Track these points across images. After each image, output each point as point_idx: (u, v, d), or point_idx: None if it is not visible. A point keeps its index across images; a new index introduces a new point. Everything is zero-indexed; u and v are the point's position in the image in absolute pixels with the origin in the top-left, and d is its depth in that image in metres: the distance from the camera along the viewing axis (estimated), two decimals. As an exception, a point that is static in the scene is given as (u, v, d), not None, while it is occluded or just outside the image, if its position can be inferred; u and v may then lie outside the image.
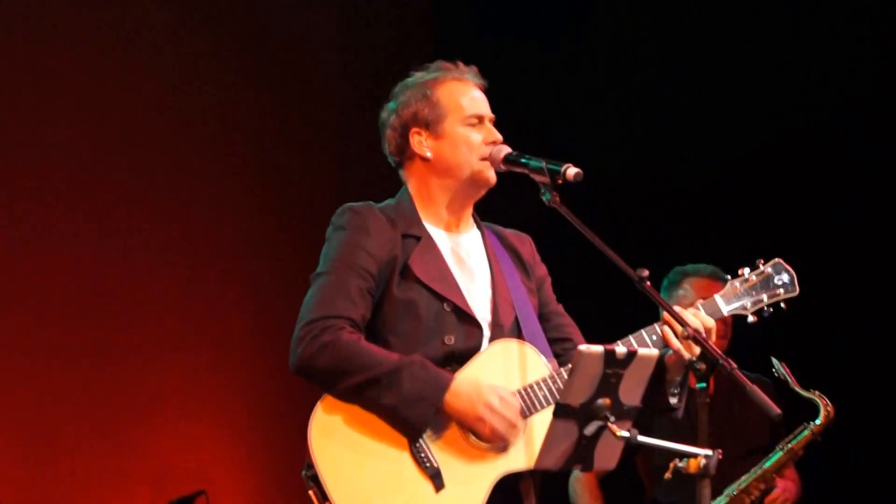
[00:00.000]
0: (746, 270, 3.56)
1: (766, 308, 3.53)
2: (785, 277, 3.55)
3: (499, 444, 3.34)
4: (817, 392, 4.79)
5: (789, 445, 4.80)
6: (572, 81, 6.73)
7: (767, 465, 4.80)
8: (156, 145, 6.40)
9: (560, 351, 3.58)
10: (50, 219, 6.08)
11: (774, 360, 4.77)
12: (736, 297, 3.50)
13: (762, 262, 3.56)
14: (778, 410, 3.06)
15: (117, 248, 6.26)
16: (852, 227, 6.20)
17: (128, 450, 6.20)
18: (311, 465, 3.30)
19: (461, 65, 3.62)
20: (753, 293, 3.51)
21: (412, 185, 3.60)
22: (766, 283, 3.53)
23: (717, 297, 3.50)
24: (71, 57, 6.15)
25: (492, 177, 3.53)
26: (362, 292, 3.40)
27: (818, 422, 4.77)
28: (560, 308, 3.70)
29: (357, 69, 7.02)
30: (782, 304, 3.54)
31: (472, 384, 3.31)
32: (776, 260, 3.58)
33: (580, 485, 5.20)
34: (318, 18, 7.03)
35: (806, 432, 4.78)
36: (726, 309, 3.49)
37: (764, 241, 6.14)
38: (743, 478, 4.81)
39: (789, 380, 4.74)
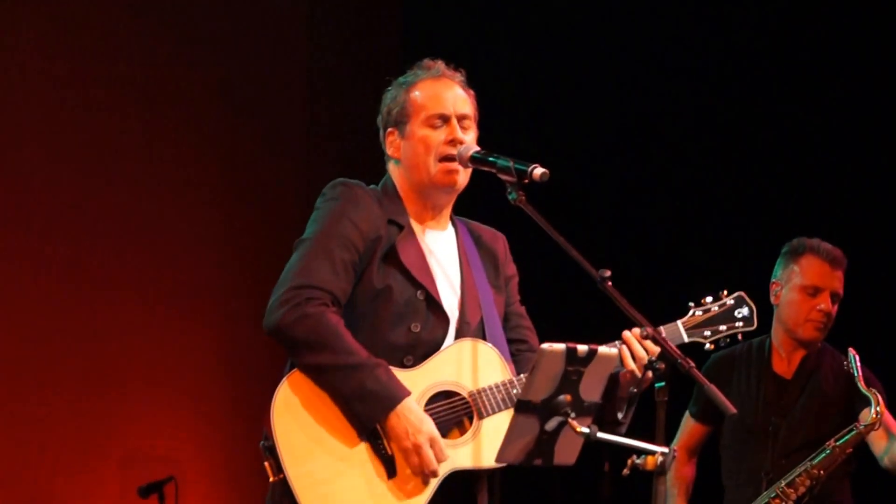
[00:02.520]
0: (709, 299, 3.63)
1: (723, 339, 3.62)
2: (745, 311, 3.64)
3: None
4: (874, 391, 4.69)
5: (837, 444, 4.70)
6: (542, 78, 6.76)
7: (815, 461, 4.71)
8: (128, 140, 6.45)
9: (514, 351, 3.64)
10: (26, 205, 6.11)
11: (851, 352, 4.71)
12: (696, 326, 3.58)
13: (725, 293, 3.64)
14: (733, 410, 3.11)
15: (91, 233, 6.29)
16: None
17: (98, 435, 6.22)
18: (268, 437, 3.36)
19: (440, 63, 3.65)
20: (713, 323, 3.60)
21: (395, 181, 3.65)
22: (727, 315, 3.62)
23: (679, 324, 3.57)
24: (48, 62, 6.20)
25: (452, 180, 3.56)
26: (346, 265, 3.45)
27: (867, 422, 4.67)
28: (522, 310, 3.76)
29: (325, 78, 7.06)
30: (739, 336, 3.63)
31: (418, 417, 3.36)
32: (739, 293, 3.65)
33: (670, 479, 5.07)
34: (286, 20, 7.07)
35: (854, 432, 4.70)
36: (686, 336, 3.56)
37: (735, 241, 6.25)
38: (790, 473, 4.76)
39: (857, 374, 4.67)
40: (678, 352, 3.18)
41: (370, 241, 3.49)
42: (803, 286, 4.87)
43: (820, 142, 6.31)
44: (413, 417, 3.36)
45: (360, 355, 3.36)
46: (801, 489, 4.73)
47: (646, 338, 3.33)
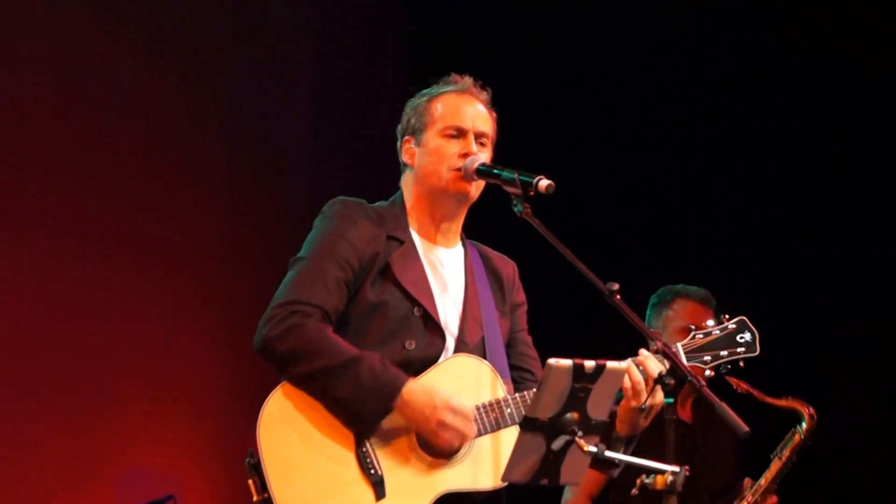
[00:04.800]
0: (710, 323, 3.59)
1: (724, 365, 3.56)
2: (748, 336, 3.60)
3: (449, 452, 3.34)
4: (791, 398, 4.72)
5: (782, 452, 4.72)
6: (546, 87, 6.74)
7: (768, 478, 4.76)
8: (132, 147, 6.39)
9: (517, 378, 3.61)
10: (27, 219, 6.07)
11: (731, 380, 4.71)
12: (696, 350, 3.53)
13: (727, 317, 3.60)
14: (746, 428, 3.05)
15: (91, 251, 6.24)
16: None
17: (97, 454, 6.17)
18: (254, 454, 3.33)
19: (467, 78, 3.67)
20: (714, 347, 3.55)
21: (405, 192, 3.65)
22: (728, 340, 3.58)
23: (679, 346, 3.53)
24: (51, 59, 6.15)
25: (464, 189, 3.54)
26: (339, 283, 3.42)
27: (804, 425, 4.70)
28: (528, 339, 3.74)
29: (331, 77, 7.04)
30: (741, 363, 3.57)
31: (426, 392, 3.31)
32: (741, 318, 3.61)
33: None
34: (293, 19, 7.04)
35: (795, 436, 4.71)
36: (686, 360, 3.51)
37: (738, 252, 6.24)
38: (745, 494, 4.75)
39: (754, 393, 4.69)
40: (688, 369, 3.12)
41: (366, 259, 3.47)
42: (682, 328, 4.87)
43: (831, 173, 6.33)
44: (422, 397, 3.30)
45: (350, 353, 3.32)
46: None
47: (656, 352, 3.28)
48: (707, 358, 3.52)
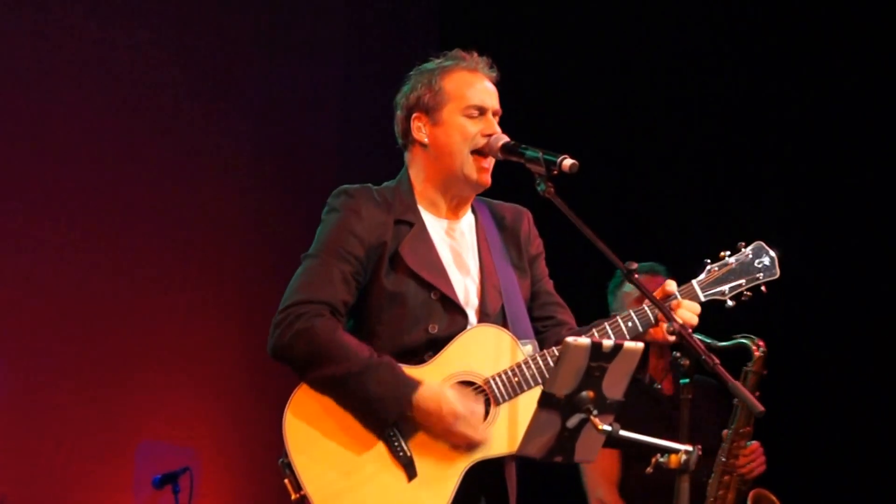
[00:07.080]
0: (727, 253, 3.50)
1: (744, 292, 3.48)
2: (766, 260, 3.49)
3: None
4: (738, 337, 4.66)
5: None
6: (569, 71, 6.74)
7: (734, 424, 4.72)
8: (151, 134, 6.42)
9: (539, 328, 3.59)
10: (50, 190, 6.10)
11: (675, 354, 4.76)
12: (713, 283, 3.46)
13: (743, 244, 3.52)
14: (761, 408, 3.04)
15: (113, 222, 6.27)
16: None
17: (115, 425, 6.19)
18: (286, 453, 3.35)
19: (475, 55, 3.63)
20: (732, 277, 3.46)
21: (412, 170, 3.61)
22: (746, 267, 3.47)
23: (694, 283, 3.46)
24: (67, 56, 6.18)
25: (485, 180, 3.54)
26: (346, 277, 3.42)
27: (753, 360, 4.65)
28: (550, 285, 3.71)
29: (361, 55, 7.05)
30: (762, 288, 3.49)
31: (434, 400, 3.32)
32: (757, 242, 3.52)
33: (593, 476, 5.05)
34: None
35: (749, 376, 4.66)
36: (702, 295, 3.45)
37: (752, 235, 6.25)
38: (724, 445, 4.75)
39: (698, 346, 4.71)
40: (703, 348, 3.11)
41: (373, 248, 3.46)
42: (636, 300, 4.87)
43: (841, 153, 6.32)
44: (431, 405, 3.32)
45: (361, 358, 3.33)
46: (737, 452, 4.70)
47: (672, 333, 3.28)
48: (724, 289, 3.44)
